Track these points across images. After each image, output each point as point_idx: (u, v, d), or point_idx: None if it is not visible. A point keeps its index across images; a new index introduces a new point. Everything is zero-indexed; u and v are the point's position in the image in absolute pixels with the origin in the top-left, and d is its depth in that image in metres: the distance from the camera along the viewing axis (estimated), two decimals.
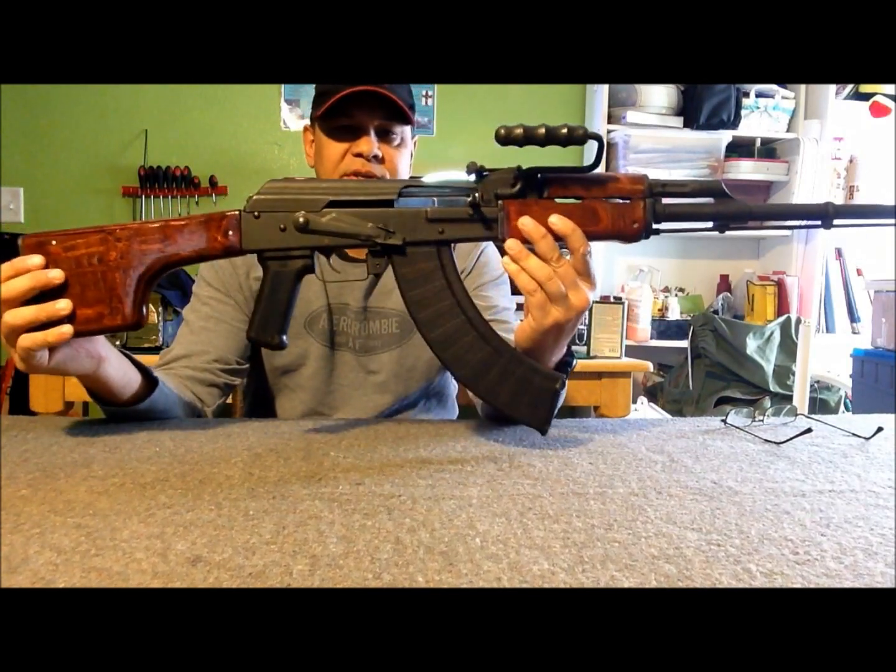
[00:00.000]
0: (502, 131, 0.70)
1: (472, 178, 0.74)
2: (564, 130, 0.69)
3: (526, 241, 0.72)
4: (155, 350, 1.95)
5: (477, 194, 0.73)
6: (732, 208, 0.72)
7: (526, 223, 0.72)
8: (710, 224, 0.75)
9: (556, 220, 0.71)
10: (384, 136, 1.04)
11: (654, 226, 0.73)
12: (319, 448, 0.72)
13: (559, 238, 0.72)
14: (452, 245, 0.76)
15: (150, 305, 2.07)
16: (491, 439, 0.77)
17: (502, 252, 0.73)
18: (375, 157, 1.02)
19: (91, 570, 0.42)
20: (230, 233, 0.74)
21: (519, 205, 0.73)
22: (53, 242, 0.71)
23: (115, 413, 0.82)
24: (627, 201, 0.73)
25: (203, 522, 0.50)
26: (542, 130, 0.69)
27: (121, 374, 0.79)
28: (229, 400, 1.67)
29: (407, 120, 1.04)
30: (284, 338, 0.77)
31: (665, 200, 0.73)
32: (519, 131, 0.69)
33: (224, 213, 0.74)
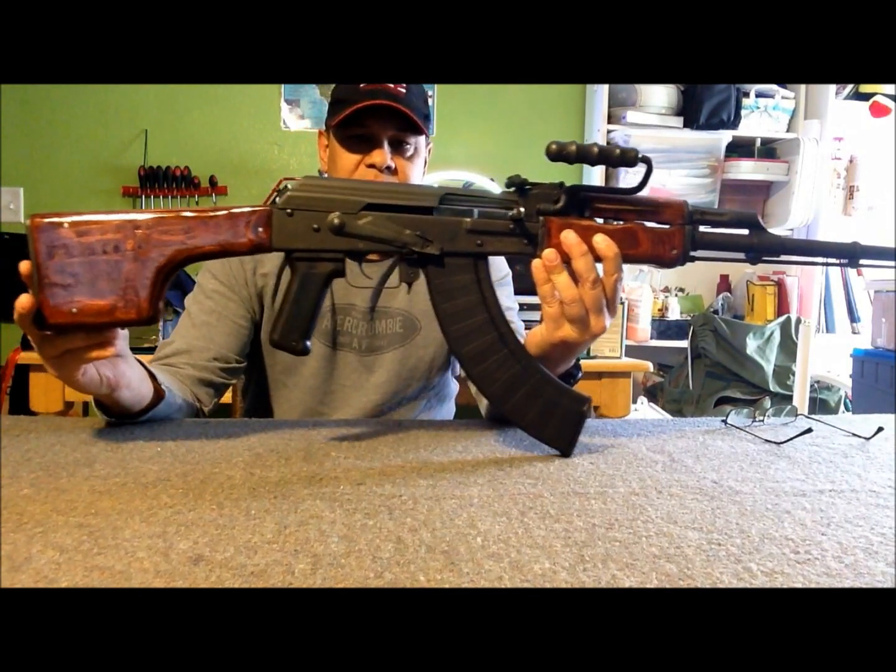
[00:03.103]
0: (554, 147, 0.68)
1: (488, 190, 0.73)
2: (618, 151, 0.68)
3: (565, 257, 0.71)
4: (153, 350, 1.94)
5: (520, 209, 0.71)
6: (766, 241, 0.73)
7: (569, 237, 0.70)
8: (742, 255, 0.75)
9: (600, 241, 0.70)
10: (397, 146, 1.05)
11: (691, 253, 0.73)
12: (320, 448, 0.72)
13: (597, 259, 0.71)
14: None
15: None
16: (492, 439, 0.77)
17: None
18: (388, 168, 1.03)
19: (93, 569, 0.42)
20: (260, 229, 0.70)
21: (560, 222, 0.72)
22: (65, 225, 0.65)
23: (113, 422, 0.82)
24: (667, 227, 0.73)
25: (205, 522, 0.50)
26: (595, 149, 0.68)
27: (132, 395, 0.78)
28: (228, 399, 1.68)
29: (421, 131, 1.05)
30: (308, 343, 0.73)
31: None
32: (572, 148, 0.68)
33: (255, 207, 0.70)
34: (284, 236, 0.70)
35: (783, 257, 0.76)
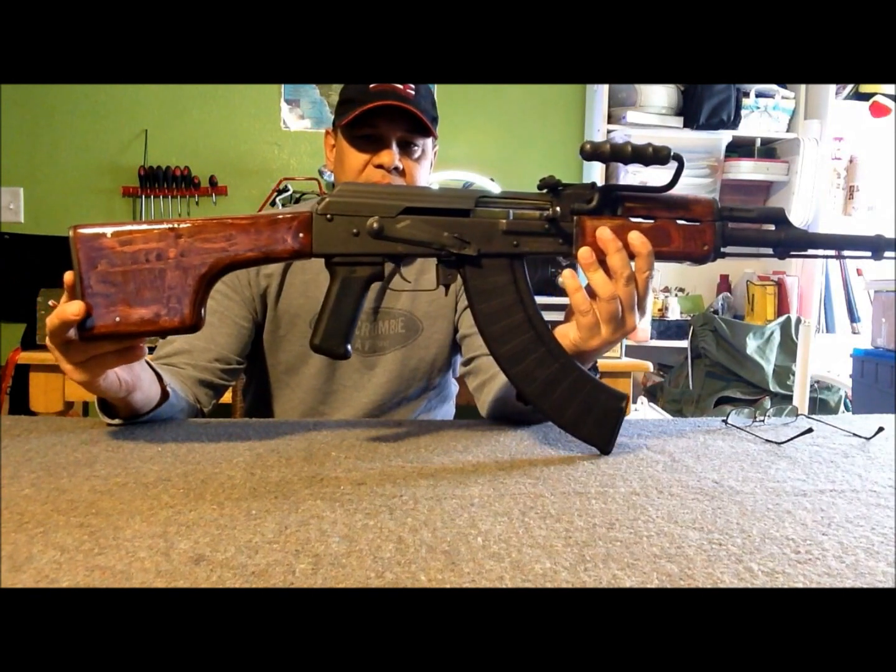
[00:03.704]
0: (588, 146, 0.68)
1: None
2: (650, 150, 0.69)
3: (600, 255, 0.71)
4: (153, 349, 1.94)
5: (558, 208, 0.71)
6: (793, 236, 0.74)
7: (604, 234, 0.71)
8: (770, 250, 0.75)
9: (635, 238, 0.71)
10: (405, 147, 1.05)
11: (721, 248, 0.74)
12: (321, 448, 0.72)
13: (630, 256, 0.71)
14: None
15: None
16: (492, 439, 0.77)
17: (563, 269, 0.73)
18: (396, 168, 1.03)
19: (94, 568, 0.42)
20: (301, 234, 0.70)
21: (594, 221, 0.72)
22: (108, 235, 0.65)
23: (115, 424, 0.82)
24: (698, 223, 0.73)
25: (206, 522, 0.50)
26: (629, 148, 0.69)
27: (143, 396, 0.78)
28: (229, 400, 1.68)
29: (429, 133, 1.05)
30: (349, 347, 0.73)
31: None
32: (606, 147, 0.69)
33: (295, 213, 0.70)
34: (324, 241, 0.70)
35: (809, 251, 0.76)
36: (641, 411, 2.35)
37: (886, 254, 0.75)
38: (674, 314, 2.81)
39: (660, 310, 2.83)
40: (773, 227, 0.75)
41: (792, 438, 0.78)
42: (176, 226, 0.67)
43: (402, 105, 1.00)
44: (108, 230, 0.66)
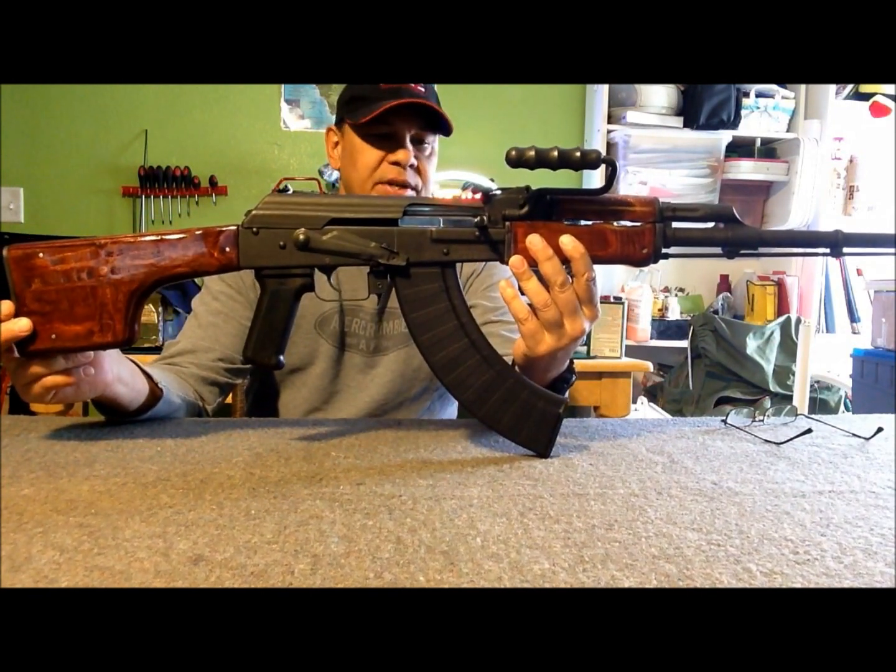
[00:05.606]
0: (513, 153, 0.67)
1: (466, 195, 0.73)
2: (578, 154, 0.67)
3: (532, 263, 0.70)
4: (154, 350, 1.95)
5: (485, 216, 0.71)
6: (743, 234, 0.71)
7: (534, 242, 0.69)
8: (718, 249, 0.73)
9: (566, 242, 0.69)
10: (417, 145, 1.07)
11: (663, 250, 0.72)
12: (320, 448, 0.72)
13: (565, 261, 0.70)
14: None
15: (150, 305, 2.07)
16: (492, 440, 0.77)
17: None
18: (411, 165, 1.05)
19: (94, 568, 0.42)
20: (227, 249, 0.71)
21: (527, 227, 0.71)
22: (41, 255, 0.68)
23: (115, 422, 0.82)
24: (637, 225, 0.71)
25: (205, 522, 0.50)
26: (555, 153, 0.67)
27: (128, 390, 0.79)
28: (229, 400, 1.68)
29: (443, 130, 1.06)
30: (281, 358, 0.74)
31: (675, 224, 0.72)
32: (531, 154, 0.67)
33: (221, 228, 0.72)
34: (251, 255, 0.72)
35: (762, 249, 0.73)
36: (641, 411, 2.35)
37: (846, 250, 0.71)
38: (674, 314, 2.81)
39: (660, 310, 2.83)
40: (721, 226, 0.72)
41: (791, 439, 0.78)
42: (105, 242, 0.70)
43: (424, 102, 1.01)
44: (41, 249, 0.68)
